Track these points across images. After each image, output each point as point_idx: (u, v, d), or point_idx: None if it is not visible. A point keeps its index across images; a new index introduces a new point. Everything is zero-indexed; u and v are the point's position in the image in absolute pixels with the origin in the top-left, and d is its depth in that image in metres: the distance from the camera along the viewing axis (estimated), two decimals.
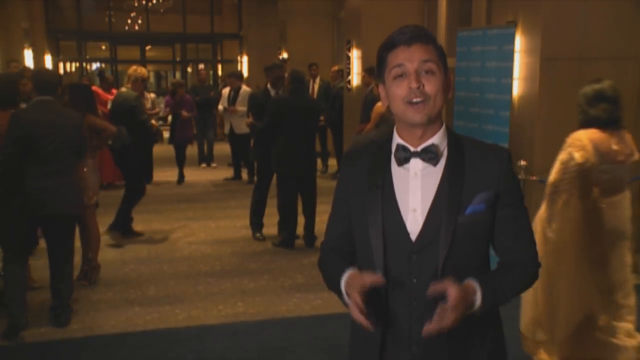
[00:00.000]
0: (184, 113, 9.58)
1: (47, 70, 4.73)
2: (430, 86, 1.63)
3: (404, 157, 1.69)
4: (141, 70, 6.75)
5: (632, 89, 5.27)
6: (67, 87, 5.70)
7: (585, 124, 3.46)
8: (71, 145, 4.38)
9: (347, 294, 1.68)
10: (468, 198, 1.65)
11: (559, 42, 5.04)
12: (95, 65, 21.23)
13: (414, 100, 1.63)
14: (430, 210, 1.66)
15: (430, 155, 1.67)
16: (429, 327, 1.56)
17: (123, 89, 6.72)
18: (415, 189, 1.68)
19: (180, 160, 9.93)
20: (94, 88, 9.40)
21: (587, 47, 5.11)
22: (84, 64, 19.12)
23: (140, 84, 6.73)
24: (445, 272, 1.64)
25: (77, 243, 5.44)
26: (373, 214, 1.70)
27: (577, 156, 3.37)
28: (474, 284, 1.62)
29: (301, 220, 6.47)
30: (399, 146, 1.70)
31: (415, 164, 1.69)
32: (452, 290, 1.54)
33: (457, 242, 1.64)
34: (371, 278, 1.61)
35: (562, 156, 3.45)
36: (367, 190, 1.72)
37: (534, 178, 5.00)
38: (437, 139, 1.69)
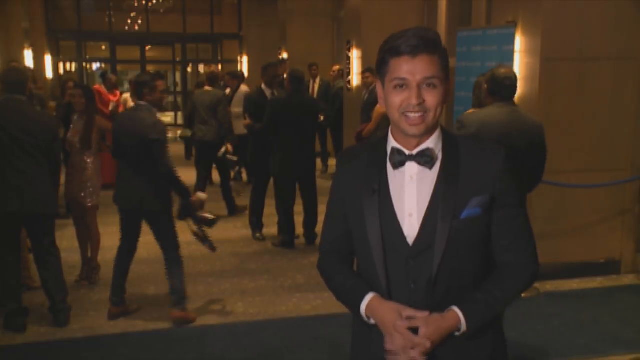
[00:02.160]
0: None
1: (13, 69, 4.69)
2: (431, 99, 1.61)
3: (399, 161, 1.68)
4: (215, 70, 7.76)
5: (632, 89, 5.27)
6: (74, 89, 5.67)
7: (479, 107, 4.18)
8: (36, 144, 4.29)
9: (366, 316, 1.73)
10: (464, 201, 1.64)
11: (559, 42, 5.04)
12: (95, 66, 21.22)
13: (412, 114, 1.61)
14: (426, 215, 1.65)
15: (425, 159, 1.66)
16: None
17: (208, 88, 7.70)
18: (411, 193, 1.67)
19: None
20: (97, 87, 9.40)
21: (587, 47, 5.11)
22: (84, 64, 19.10)
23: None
24: (440, 277, 1.65)
25: (76, 243, 5.46)
26: (371, 219, 1.70)
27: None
28: (456, 313, 1.65)
29: (301, 219, 6.47)
30: (394, 150, 1.69)
31: (411, 167, 1.68)
32: (422, 329, 1.62)
33: (452, 246, 1.63)
34: (408, 313, 1.65)
35: None
36: (364, 194, 1.71)
37: None
38: (432, 142, 1.67)
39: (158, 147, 4.28)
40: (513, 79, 3.79)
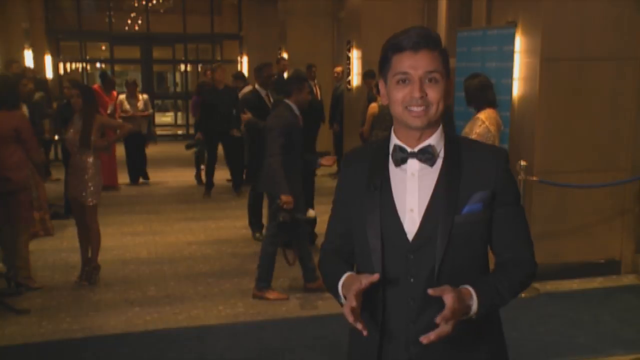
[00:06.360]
0: None
1: None
2: (433, 94, 1.63)
3: (401, 158, 1.70)
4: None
5: (632, 89, 5.27)
6: (75, 88, 5.57)
7: (484, 106, 4.70)
8: None
9: (343, 295, 1.70)
10: (465, 198, 1.66)
11: (559, 42, 5.04)
12: (96, 65, 21.17)
13: (415, 108, 1.63)
14: (427, 210, 1.67)
15: (427, 156, 1.68)
16: (428, 336, 1.54)
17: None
18: (412, 190, 1.69)
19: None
20: (96, 87, 9.33)
21: (587, 47, 5.11)
22: (84, 64, 19.09)
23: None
24: (442, 272, 1.65)
25: (76, 244, 5.46)
26: (371, 214, 1.71)
27: (492, 129, 4.57)
28: (470, 290, 1.62)
29: None
30: (396, 147, 1.71)
31: (412, 164, 1.70)
32: (448, 298, 1.53)
33: (453, 241, 1.65)
34: (367, 279, 1.60)
35: (480, 130, 4.57)
36: (366, 191, 1.73)
37: (534, 178, 5.00)
38: (434, 139, 1.69)
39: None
40: None
